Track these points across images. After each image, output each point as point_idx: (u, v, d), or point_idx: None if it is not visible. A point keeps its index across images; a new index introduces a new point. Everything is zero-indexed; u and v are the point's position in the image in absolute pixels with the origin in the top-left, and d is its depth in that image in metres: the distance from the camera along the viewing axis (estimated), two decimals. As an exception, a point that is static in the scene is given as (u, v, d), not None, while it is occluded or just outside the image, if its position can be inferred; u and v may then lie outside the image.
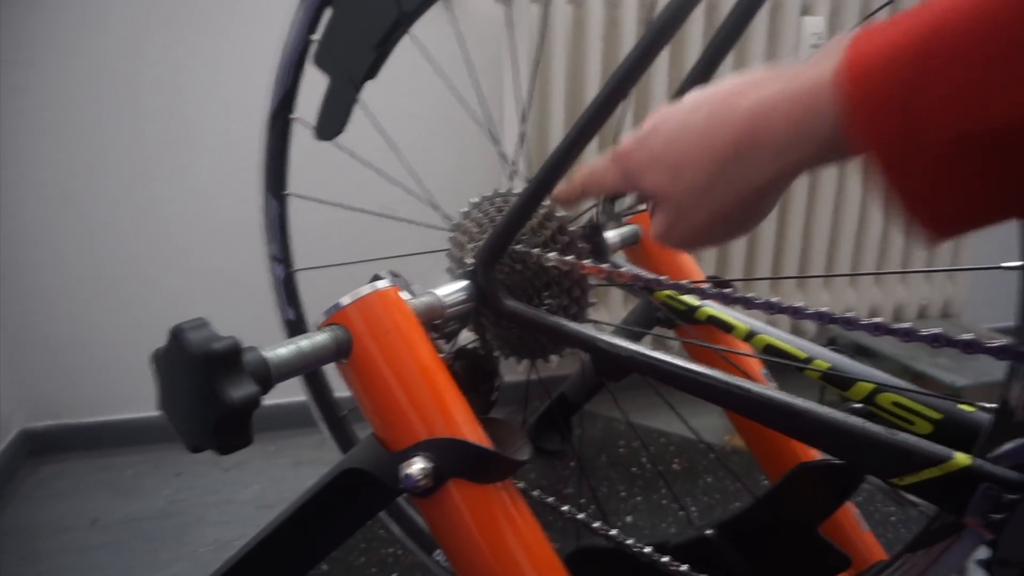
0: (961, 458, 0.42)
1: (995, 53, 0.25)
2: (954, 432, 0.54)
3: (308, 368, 0.47)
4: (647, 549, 0.57)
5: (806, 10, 1.30)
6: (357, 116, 0.75)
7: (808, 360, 0.61)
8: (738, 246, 1.46)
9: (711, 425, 1.41)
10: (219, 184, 1.37)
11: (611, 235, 0.80)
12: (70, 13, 1.25)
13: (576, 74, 1.30)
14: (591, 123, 0.52)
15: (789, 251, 1.49)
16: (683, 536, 0.61)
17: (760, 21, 1.28)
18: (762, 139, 0.34)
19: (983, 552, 0.42)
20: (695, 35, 1.30)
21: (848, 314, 0.45)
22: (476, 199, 0.66)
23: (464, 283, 0.60)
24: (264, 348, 0.46)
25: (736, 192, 0.37)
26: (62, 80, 1.28)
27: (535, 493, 0.62)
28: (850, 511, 0.80)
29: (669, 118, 0.39)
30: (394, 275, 0.60)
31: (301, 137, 0.82)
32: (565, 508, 0.60)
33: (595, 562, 0.62)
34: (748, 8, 0.56)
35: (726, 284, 0.80)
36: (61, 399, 1.44)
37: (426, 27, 0.77)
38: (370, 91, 0.74)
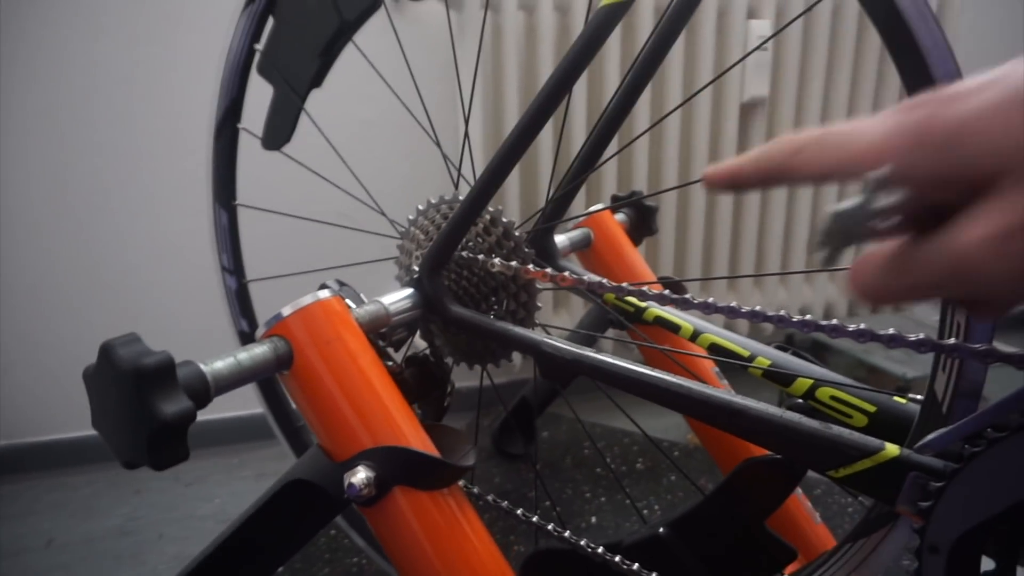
0: (891, 449, 0.44)
1: None
2: (889, 424, 0.55)
3: (248, 380, 0.47)
4: (600, 549, 0.58)
5: (752, 13, 1.33)
6: (311, 124, 0.75)
7: (751, 358, 0.63)
8: (695, 245, 1.48)
9: (675, 424, 1.42)
10: (169, 195, 1.35)
11: (561, 239, 0.81)
12: (15, 24, 1.22)
13: (529, 81, 1.31)
14: (529, 129, 0.53)
15: (745, 249, 1.51)
16: (636, 535, 0.62)
17: (708, 24, 1.30)
18: None
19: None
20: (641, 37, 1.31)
21: (804, 317, 0.47)
22: (422, 206, 0.66)
23: (410, 291, 0.60)
24: (202, 362, 0.45)
25: None
26: (3, 89, 1.25)
27: (489, 497, 0.62)
28: (803, 505, 0.81)
29: None
30: (340, 284, 0.60)
31: (252, 146, 0.81)
32: (519, 511, 0.60)
33: (553, 564, 0.63)
34: (683, 10, 0.57)
35: (677, 284, 0.81)
36: (11, 419, 1.40)
37: (381, 35, 0.77)
38: (323, 97, 0.74)
